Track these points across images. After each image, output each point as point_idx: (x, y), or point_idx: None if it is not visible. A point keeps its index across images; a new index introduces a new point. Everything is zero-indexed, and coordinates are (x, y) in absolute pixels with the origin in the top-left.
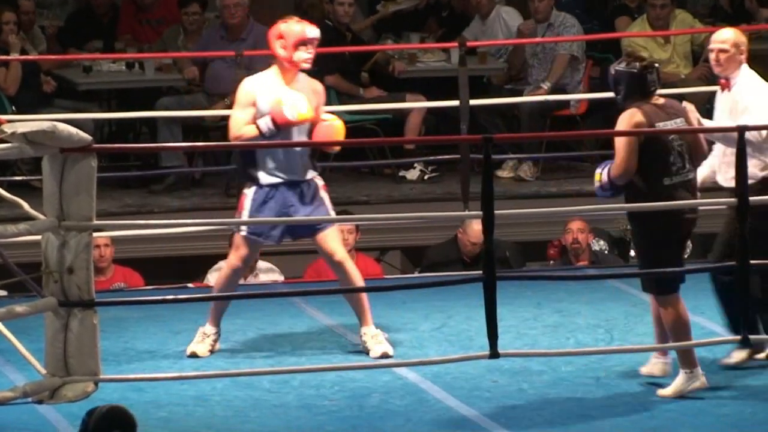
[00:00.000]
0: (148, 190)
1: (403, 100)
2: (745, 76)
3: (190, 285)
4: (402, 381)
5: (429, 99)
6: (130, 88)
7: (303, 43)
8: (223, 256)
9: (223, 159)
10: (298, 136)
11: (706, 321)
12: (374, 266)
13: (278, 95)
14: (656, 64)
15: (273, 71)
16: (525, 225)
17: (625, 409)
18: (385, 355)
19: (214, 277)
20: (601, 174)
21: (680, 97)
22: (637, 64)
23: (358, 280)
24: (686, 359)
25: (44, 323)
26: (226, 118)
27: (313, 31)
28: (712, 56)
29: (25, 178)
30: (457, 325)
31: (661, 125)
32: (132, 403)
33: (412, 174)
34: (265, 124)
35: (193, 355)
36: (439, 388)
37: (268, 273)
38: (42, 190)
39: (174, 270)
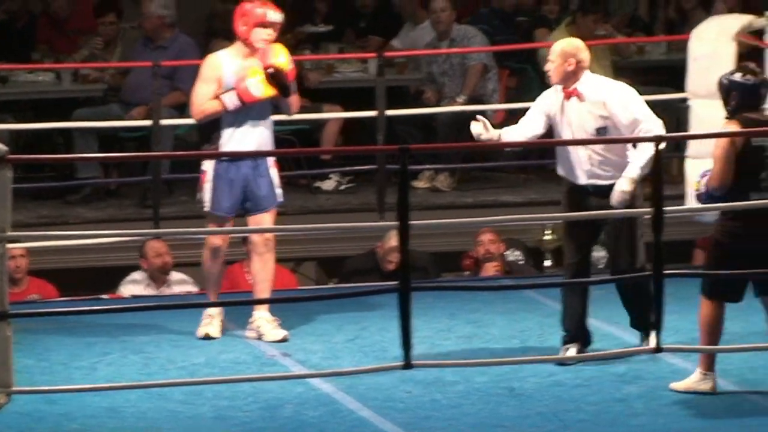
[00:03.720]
0: (64, 201)
1: (320, 111)
2: (588, 81)
3: (104, 296)
4: (316, 392)
5: (346, 109)
6: (47, 98)
7: (263, 24)
8: (137, 267)
9: (139, 170)
10: (261, 110)
11: (620, 331)
12: (289, 277)
13: (245, 72)
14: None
15: (236, 46)
16: (440, 236)
17: (538, 419)
18: (284, 339)
19: (127, 289)
20: (699, 183)
21: None
22: (752, 77)
23: (272, 268)
24: (703, 360)
25: None
26: (143, 129)
27: (274, 15)
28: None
29: None
30: (372, 335)
31: (760, 143)
32: (44, 415)
33: (328, 185)
34: (231, 100)
35: (207, 337)
36: (352, 399)
37: (181, 284)
38: None
39: (88, 281)
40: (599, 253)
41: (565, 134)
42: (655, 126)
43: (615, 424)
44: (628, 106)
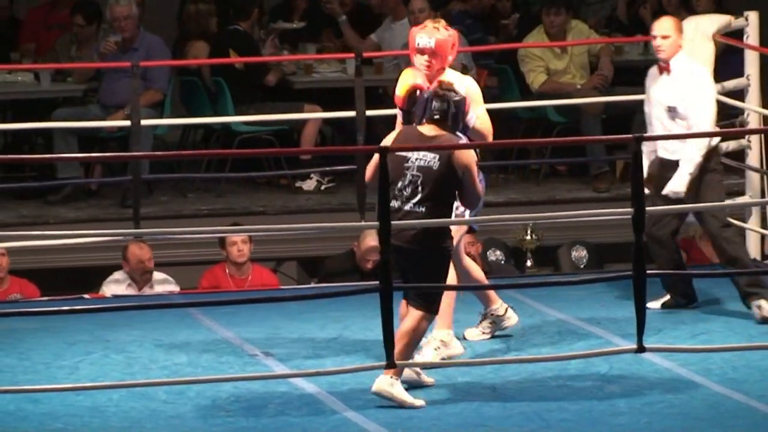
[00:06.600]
0: (44, 200)
1: (300, 111)
2: (682, 60)
3: (86, 296)
4: (299, 392)
5: (326, 109)
6: (26, 98)
7: (419, 51)
8: (118, 267)
9: (119, 170)
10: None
11: (602, 331)
12: (270, 277)
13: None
14: (456, 97)
15: None
16: None
17: (521, 419)
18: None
19: (109, 289)
20: None
21: (575, 108)
22: (433, 91)
23: (473, 270)
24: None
25: None
26: (123, 129)
27: (422, 40)
28: (655, 43)
29: None
30: (354, 335)
31: (401, 152)
32: (28, 414)
33: (309, 185)
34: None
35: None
36: (335, 399)
37: (163, 284)
38: None
39: (70, 281)
40: (581, 253)
41: (651, 108)
42: (703, 126)
43: (598, 423)
44: (692, 94)
